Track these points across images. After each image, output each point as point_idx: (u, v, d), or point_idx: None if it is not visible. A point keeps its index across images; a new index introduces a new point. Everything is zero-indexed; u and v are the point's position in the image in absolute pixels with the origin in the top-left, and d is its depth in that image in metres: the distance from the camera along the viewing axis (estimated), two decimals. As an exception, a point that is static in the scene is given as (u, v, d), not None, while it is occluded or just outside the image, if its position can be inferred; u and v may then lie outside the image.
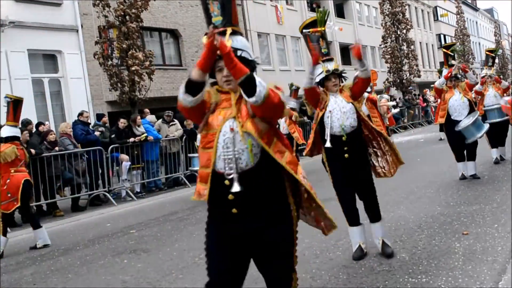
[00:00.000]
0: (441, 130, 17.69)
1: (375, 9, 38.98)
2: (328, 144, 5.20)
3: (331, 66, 5.26)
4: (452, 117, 8.84)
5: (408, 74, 31.81)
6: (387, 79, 32.11)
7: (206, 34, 2.89)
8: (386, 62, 32.20)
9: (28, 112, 13.99)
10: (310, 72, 5.10)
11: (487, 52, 12.08)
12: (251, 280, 4.01)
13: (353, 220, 5.35)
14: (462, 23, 51.61)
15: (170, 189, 13.29)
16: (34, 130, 11.66)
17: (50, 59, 16.62)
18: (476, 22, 66.48)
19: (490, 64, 11.46)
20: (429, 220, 6.52)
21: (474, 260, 4.81)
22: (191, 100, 2.87)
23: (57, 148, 10.93)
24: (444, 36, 53.50)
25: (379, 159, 5.41)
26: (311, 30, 5.43)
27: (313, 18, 5.50)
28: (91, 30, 17.19)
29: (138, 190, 12.76)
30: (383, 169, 5.42)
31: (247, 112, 2.92)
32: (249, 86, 2.77)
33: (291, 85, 13.89)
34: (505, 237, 5.40)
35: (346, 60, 35.77)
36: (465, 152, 9.01)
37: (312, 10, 32.24)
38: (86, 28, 17.37)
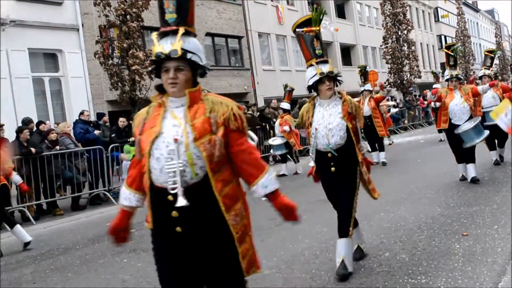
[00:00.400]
0: (439, 131, 17.69)
1: (376, 9, 38.96)
2: (311, 163, 5.12)
3: (325, 68, 4.94)
4: (452, 121, 8.69)
5: (408, 75, 31.81)
6: (387, 80, 32.12)
7: (158, 30, 2.80)
8: (387, 62, 32.20)
9: (29, 111, 14.02)
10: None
11: (486, 53, 11.95)
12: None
13: (339, 232, 4.99)
14: (463, 24, 51.61)
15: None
16: (34, 129, 11.67)
17: (50, 58, 16.62)
18: (477, 23, 66.47)
19: (488, 64, 11.33)
20: (429, 221, 6.52)
21: (473, 261, 4.81)
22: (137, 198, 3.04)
23: (57, 147, 10.93)
24: (445, 37, 53.50)
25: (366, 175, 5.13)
26: (304, 29, 5.16)
27: (308, 16, 5.26)
28: (91, 29, 17.19)
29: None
30: (367, 188, 5.21)
31: (207, 128, 2.72)
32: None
33: (285, 86, 13.64)
34: (505, 238, 5.40)
35: (346, 60, 35.86)
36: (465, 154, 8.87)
37: (313, 10, 32.24)
38: (87, 27, 17.37)
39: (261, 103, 23.50)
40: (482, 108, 10.22)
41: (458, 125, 8.53)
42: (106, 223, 9.25)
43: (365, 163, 5.09)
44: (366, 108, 12.54)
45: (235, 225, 2.74)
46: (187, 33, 2.76)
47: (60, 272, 6.18)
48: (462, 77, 9.27)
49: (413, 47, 33.17)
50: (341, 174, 4.94)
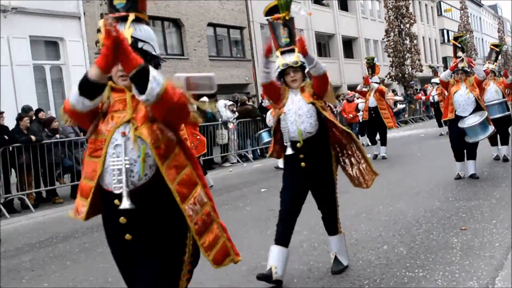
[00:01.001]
0: (440, 125, 17.63)
1: (379, 2, 38.86)
2: (289, 151, 4.53)
3: (290, 58, 4.51)
4: (456, 113, 8.44)
5: (410, 69, 31.78)
6: (389, 73, 32.08)
7: (102, 17, 2.48)
8: (389, 56, 32.19)
9: (29, 98, 14.01)
10: (263, 65, 4.52)
11: (492, 46, 11.55)
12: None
13: (279, 239, 4.66)
14: (465, 18, 51.55)
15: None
16: (34, 117, 11.65)
17: (52, 46, 16.58)
18: (480, 18, 66.26)
19: (493, 58, 11.04)
20: (427, 214, 6.53)
21: (471, 255, 4.82)
22: (88, 105, 2.38)
23: (57, 136, 10.93)
24: (448, 31, 53.34)
25: (354, 168, 4.82)
26: (272, 16, 4.69)
27: (275, 2, 4.72)
28: (93, 17, 17.11)
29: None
30: (357, 180, 4.85)
31: (146, 115, 2.43)
32: (141, 81, 2.25)
33: None
34: (503, 233, 5.41)
35: (348, 53, 35.77)
36: (465, 150, 8.66)
37: (316, 2, 32.15)
38: (88, 15, 17.32)
39: (262, 95, 23.49)
40: (485, 102, 9.76)
41: (462, 117, 8.34)
42: (105, 212, 9.27)
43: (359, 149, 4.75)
44: (372, 100, 12.65)
45: (192, 216, 2.47)
46: (138, 20, 2.52)
47: (58, 260, 6.19)
48: (468, 70, 8.93)
49: (415, 41, 33.14)
50: (312, 171, 4.54)
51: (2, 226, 8.39)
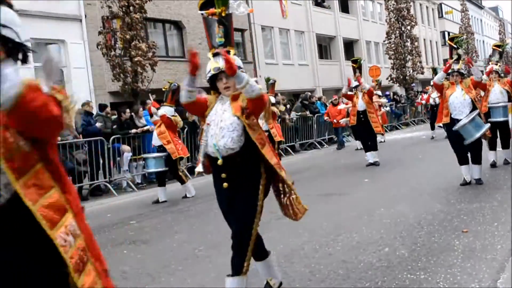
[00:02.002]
0: (432, 128, 17.53)
1: (380, 4, 38.86)
2: (198, 168, 4.06)
3: (222, 62, 3.82)
4: (452, 115, 8.14)
5: (411, 71, 31.79)
6: (390, 75, 32.10)
7: None
8: (390, 58, 32.19)
9: (31, 101, 14.01)
10: (188, 84, 3.88)
11: (494, 47, 11.08)
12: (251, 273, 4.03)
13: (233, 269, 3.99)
14: (466, 20, 51.55)
15: (170, 180, 13.28)
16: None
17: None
18: (481, 20, 66.27)
19: (496, 59, 10.61)
20: (429, 217, 6.52)
21: (473, 258, 4.81)
22: None
23: (58, 138, 10.92)
24: (449, 33, 53.29)
25: (286, 196, 4.23)
26: (207, 11, 4.12)
27: None
28: (94, 20, 17.16)
29: (139, 181, 12.78)
30: (287, 209, 4.25)
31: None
32: None
33: (268, 79, 13.23)
34: (504, 235, 5.40)
35: (349, 55, 35.73)
36: (469, 154, 8.26)
37: (317, 4, 32.19)
38: (89, 18, 17.35)
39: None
40: (488, 104, 9.64)
41: (459, 120, 8.00)
42: (106, 214, 9.28)
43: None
44: (361, 103, 12.01)
45: (67, 247, 1.94)
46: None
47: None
48: (465, 72, 8.55)
49: (416, 43, 33.14)
50: (235, 193, 3.93)
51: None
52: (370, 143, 12.20)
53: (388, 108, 18.68)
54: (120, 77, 15.00)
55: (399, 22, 32.08)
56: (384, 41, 33.79)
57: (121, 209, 9.60)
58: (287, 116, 17.18)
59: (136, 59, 14.65)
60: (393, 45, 31.81)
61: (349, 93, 12.30)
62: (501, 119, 9.48)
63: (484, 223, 5.99)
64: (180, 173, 10.08)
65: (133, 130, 12.47)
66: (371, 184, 9.53)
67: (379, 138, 17.84)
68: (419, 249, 5.25)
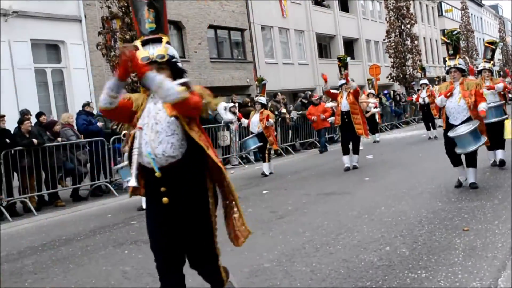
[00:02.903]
0: (427, 129, 17.37)
1: (380, 3, 38.86)
2: (132, 182, 3.26)
3: (154, 50, 3.36)
4: (448, 120, 7.79)
5: (411, 69, 31.78)
6: (390, 74, 32.11)
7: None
8: (390, 57, 32.20)
9: (31, 102, 14.04)
10: (112, 89, 3.20)
11: (487, 44, 10.34)
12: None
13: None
14: (466, 18, 51.53)
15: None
16: (35, 121, 11.68)
17: (53, 49, 16.60)
18: (481, 18, 66.25)
19: (489, 57, 9.91)
20: (429, 215, 6.52)
21: (474, 256, 4.81)
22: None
23: (59, 139, 10.94)
24: (449, 31, 53.29)
25: (227, 216, 3.62)
26: None
27: None
28: (94, 20, 17.15)
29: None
30: (232, 230, 3.60)
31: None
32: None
33: (261, 79, 12.78)
34: (505, 233, 5.40)
35: (349, 54, 35.69)
36: (462, 156, 7.86)
37: (316, 3, 32.17)
38: (89, 18, 17.34)
39: (263, 97, 23.48)
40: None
41: (454, 126, 7.62)
42: (107, 214, 9.28)
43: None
44: (345, 103, 11.33)
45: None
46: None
47: (61, 263, 6.20)
48: (465, 68, 8.04)
49: (416, 42, 33.12)
50: (178, 210, 3.33)
51: (5, 229, 8.40)
52: (352, 145, 11.58)
53: (376, 110, 18.05)
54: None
55: (399, 21, 32.08)
56: (384, 39, 33.79)
57: (122, 210, 9.60)
58: (287, 116, 17.20)
59: (136, 60, 14.64)
60: (393, 44, 31.82)
61: (333, 91, 11.67)
62: (493, 120, 9.03)
63: (485, 221, 5.99)
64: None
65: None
66: (371, 183, 9.53)
67: (374, 137, 17.80)
68: (420, 247, 5.25)
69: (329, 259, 5.14)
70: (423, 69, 21.17)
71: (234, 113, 15.03)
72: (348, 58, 12.22)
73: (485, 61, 9.88)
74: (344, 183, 9.70)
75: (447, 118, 7.82)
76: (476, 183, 7.85)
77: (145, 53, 3.33)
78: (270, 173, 12.24)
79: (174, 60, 3.40)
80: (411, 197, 7.80)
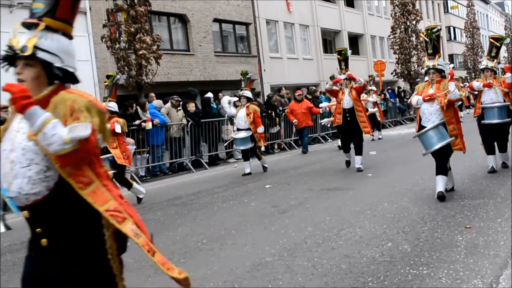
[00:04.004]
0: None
1: (385, -1, 38.75)
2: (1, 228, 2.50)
3: (24, 40, 2.59)
4: (420, 122, 7.40)
5: (416, 66, 31.69)
6: (395, 70, 32.04)
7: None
8: (395, 53, 32.11)
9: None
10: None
11: (491, 40, 9.41)
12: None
13: None
14: (472, 15, 51.31)
15: (174, 173, 13.34)
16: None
17: (58, 40, 16.61)
18: (487, 15, 65.96)
19: (493, 54, 9.15)
20: (432, 212, 6.52)
21: (476, 253, 4.82)
22: None
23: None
24: (454, 28, 53.20)
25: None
26: None
27: None
28: (99, 13, 17.15)
29: (143, 174, 12.82)
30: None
31: None
32: None
33: (245, 73, 12.18)
34: (508, 231, 5.39)
35: (354, 50, 35.66)
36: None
37: (322, -2, 32.09)
38: (94, 10, 17.34)
39: (267, 91, 23.48)
40: (481, 104, 8.84)
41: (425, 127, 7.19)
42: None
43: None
44: (348, 99, 10.50)
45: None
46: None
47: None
48: (444, 68, 7.48)
49: (421, 38, 32.99)
50: (62, 255, 2.51)
51: (8, 219, 8.42)
52: (355, 146, 10.69)
53: (374, 110, 17.50)
54: (124, 70, 15.01)
55: (404, 17, 31.97)
56: (389, 35, 33.69)
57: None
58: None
59: (140, 52, 14.64)
60: (398, 40, 31.72)
61: (334, 88, 10.81)
62: (496, 121, 8.65)
63: (488, 219, 5.99)
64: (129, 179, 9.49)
65: (137, 122, 12.50)
66: (374, 179, 9.52)
67: (376, 134, 17.67)
68: (422, 244, 5.25)
69: (330, 254, 5.15)
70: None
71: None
72: (349, 52, 11.48)
73: (488, 59, 9.18)
74: (347, 178, 9.70)
75: (420, 119, 7.41)
76: (444, 193, 7.05)
77: (13, 40, 2.55)
78: (249, 173, 11.62)
79: (45, 56, 2.48)
80: (414, 194, 7.79)
